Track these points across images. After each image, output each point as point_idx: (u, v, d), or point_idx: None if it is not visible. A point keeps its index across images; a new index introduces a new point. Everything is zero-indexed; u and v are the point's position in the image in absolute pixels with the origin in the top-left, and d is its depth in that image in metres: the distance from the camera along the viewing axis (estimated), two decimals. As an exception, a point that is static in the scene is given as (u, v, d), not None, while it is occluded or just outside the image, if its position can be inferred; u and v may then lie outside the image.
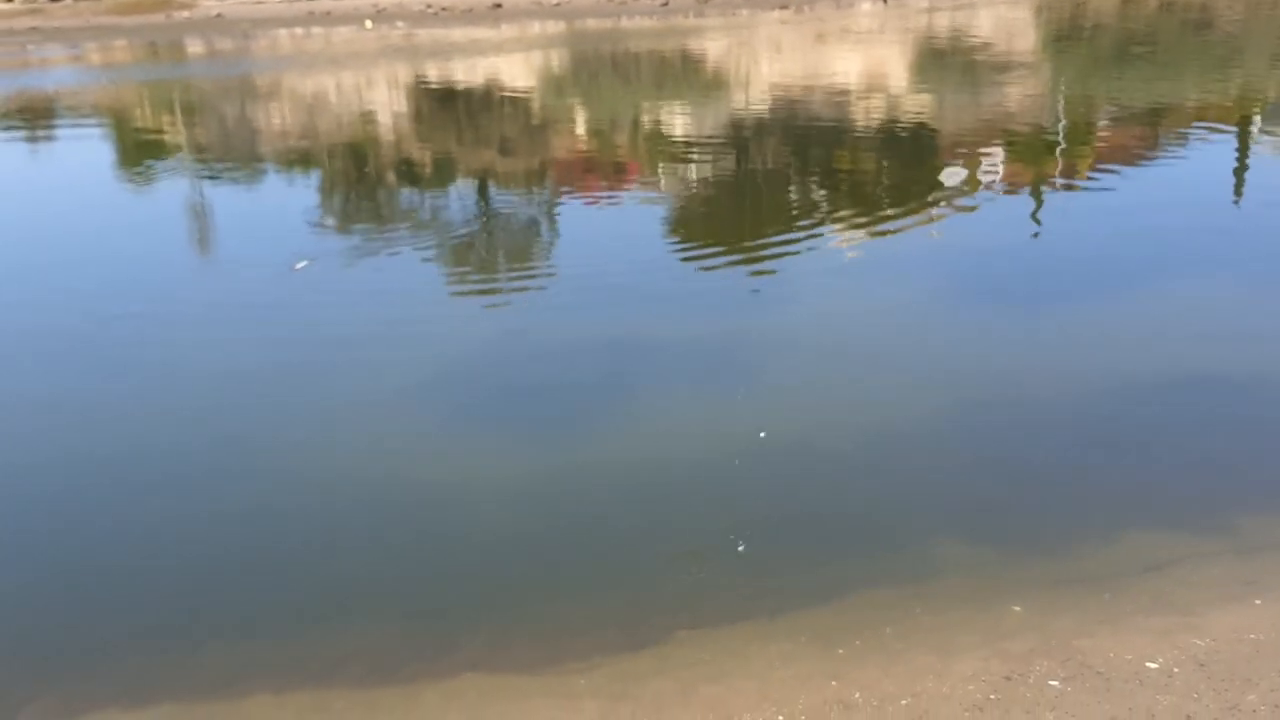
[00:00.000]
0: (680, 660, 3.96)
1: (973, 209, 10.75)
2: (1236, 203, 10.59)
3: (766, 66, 22.97)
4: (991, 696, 3.55)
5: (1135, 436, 5.64)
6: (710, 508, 5.06)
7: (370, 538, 5.05)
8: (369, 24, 34.97)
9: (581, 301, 8.28)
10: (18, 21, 37.54)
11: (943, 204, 10.89)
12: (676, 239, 10.45)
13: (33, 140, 17.86)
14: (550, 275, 9.22)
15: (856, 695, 3.63)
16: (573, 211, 11.71)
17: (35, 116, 19.98)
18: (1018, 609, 4.12)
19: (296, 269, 8.60)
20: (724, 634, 4.08)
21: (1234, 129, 14.21)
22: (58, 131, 18.62)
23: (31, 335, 7.98)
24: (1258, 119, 14.76)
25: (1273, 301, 7.44)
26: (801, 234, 9.81)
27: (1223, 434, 5.60)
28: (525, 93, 20.61)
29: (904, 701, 3.57)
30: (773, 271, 8.75)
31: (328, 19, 37.05)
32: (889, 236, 9.65)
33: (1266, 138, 13.51)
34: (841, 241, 9.59)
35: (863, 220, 10.23)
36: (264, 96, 21.26)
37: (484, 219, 11.57)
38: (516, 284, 9.08)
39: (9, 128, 18.95)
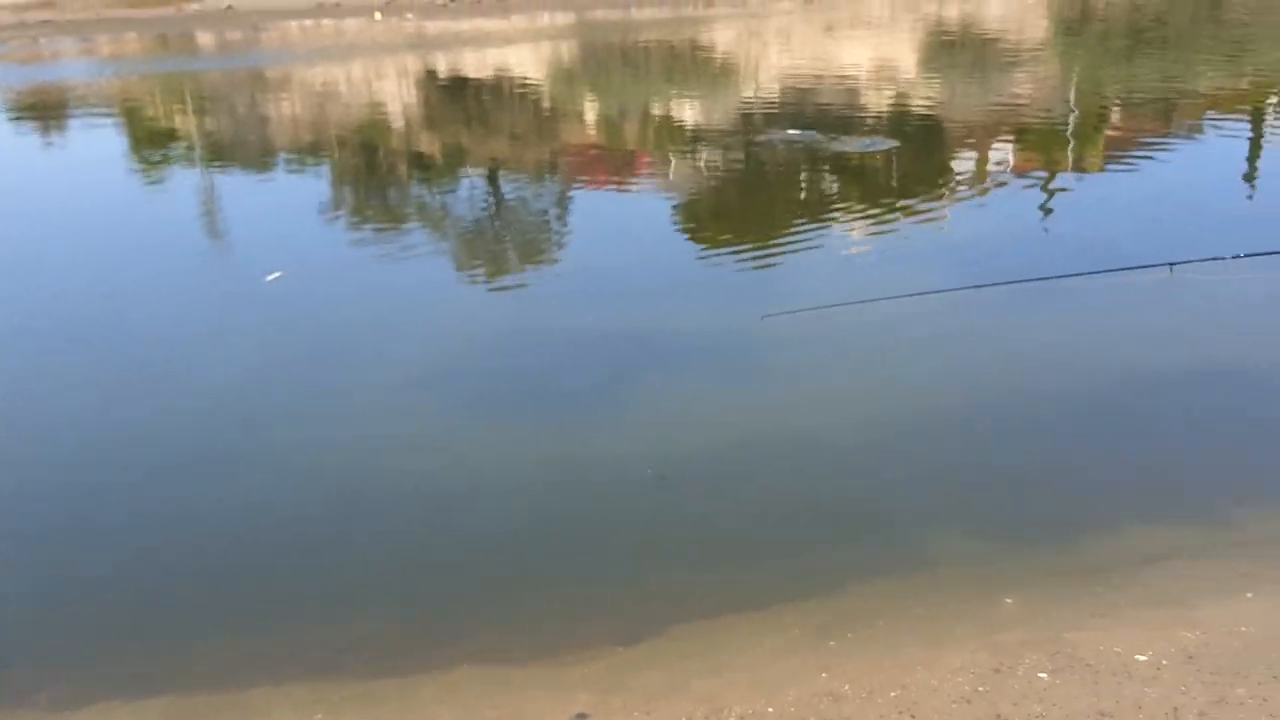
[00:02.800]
0: (672, 652, 3.98)
1: (983, 199, 10.72)
2: (1251, 197, 10.54)
3: (776, 56, 22.92)
4: (980, 688, 3.55)
5: (1134, 428, 5.64)
6: (706, 498, 5.08)
7: (368, 529, 5.08)
8: (378, 15, 34.98)
9: (591, 291, 8.30)
10: (30, 14, 37.69)
11: (952, 194, 10.86)
12: (686, 230, 10.45)
13: (45, 131, 17.93)
14: (560, 266, 9.24)
15: (846, 687, 3.63)
16: (583, 201, 11.72)
17: (47, 109, 20.06)
18: (1010, 601, 4.12)
19: (269, 280, 8.59)
20: (716, 626, 4.09)
21: (1248, 118, 14.12)
22: (70, 122, 18.68)
23: (52, 319, 8.03)
24: (1271, 108, 14.67)
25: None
26: (810, 224, 9.80)
27: (1222, 427, 5.60)
28: (535, 84, 20.61)
29: (893, 693, 3.57)
30: (780, 263, 8.74)
31: (337, 10, 37.07)
32: (897, 227, 9.62)
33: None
34: (851, 232, 9.58)
35: (872, 211, 10.20)
36: (274, 89, 21.31)
37: (495, 210, 11.59)
38: (528, 275, 9.11)
39: (19, 119, 19.04)
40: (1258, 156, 11.94)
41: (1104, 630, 3.83)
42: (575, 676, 3.91)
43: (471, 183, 13.15)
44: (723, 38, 26.09)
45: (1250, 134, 13.25)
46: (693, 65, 22.14)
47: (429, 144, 15.83)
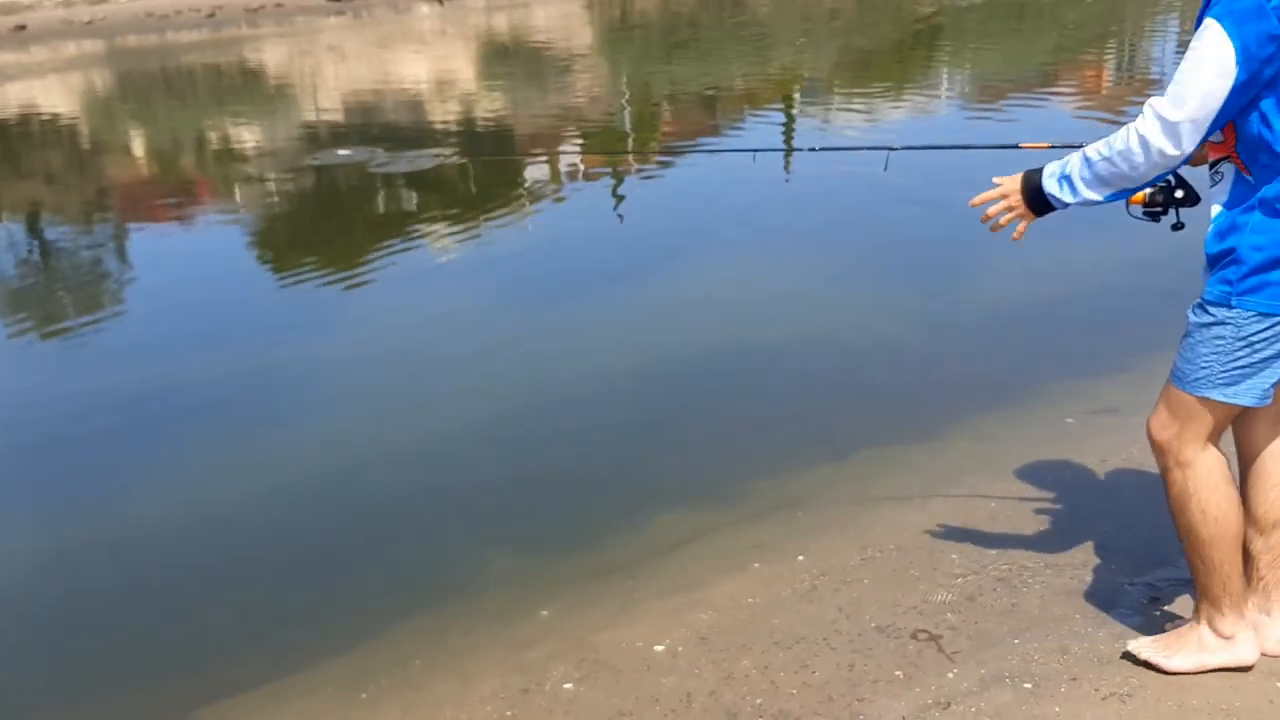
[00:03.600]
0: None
1: (559, 201, 11.02)
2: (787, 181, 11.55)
3: (333, 73, 22.37)
4: (508, 714, 3.44)
5: (653, 421, 5.79)
6: (204, 562, 4.77)
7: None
8: None
9: (166, 336, 7.67)
10: None
11: (529, 199, 11.08)
12: (262, 258, 9.94)
13: None
14: (123, 313, 8.47)
15: (372, 741, 3.48)
16: (143, 241, 10.83)
17: None
18: (545, 613, 4.05)
19: None
20: (237, 704, 3.78)
21: (781, 107, 15.55)
22: None
23: None
24: (797, 97, 16.25)
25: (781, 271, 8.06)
26: (392, 241, 9.60)
27: (731, 406, 5.83)
28: (69, 120, 18.80)
29: (420, 738, 3.43)
30: (364, 283, 8.49)
31: None
32: (480, 237, 9.67)
33: (810, 111, 14.90)
34: (435, 246, 9.51)
35: (454, 223, 10.19)
36: None
37: (39, 260, 10.45)
38: (87, 327, 8.26)
39: None
40: (792, 140, 13.15)
41: (627, 627, 3.82)
42: None
43: (8, 231, 11.78)
44: (273, 56, 25.11)
45: (783, 122, 14.62)
46: (245, 87, 21.13)
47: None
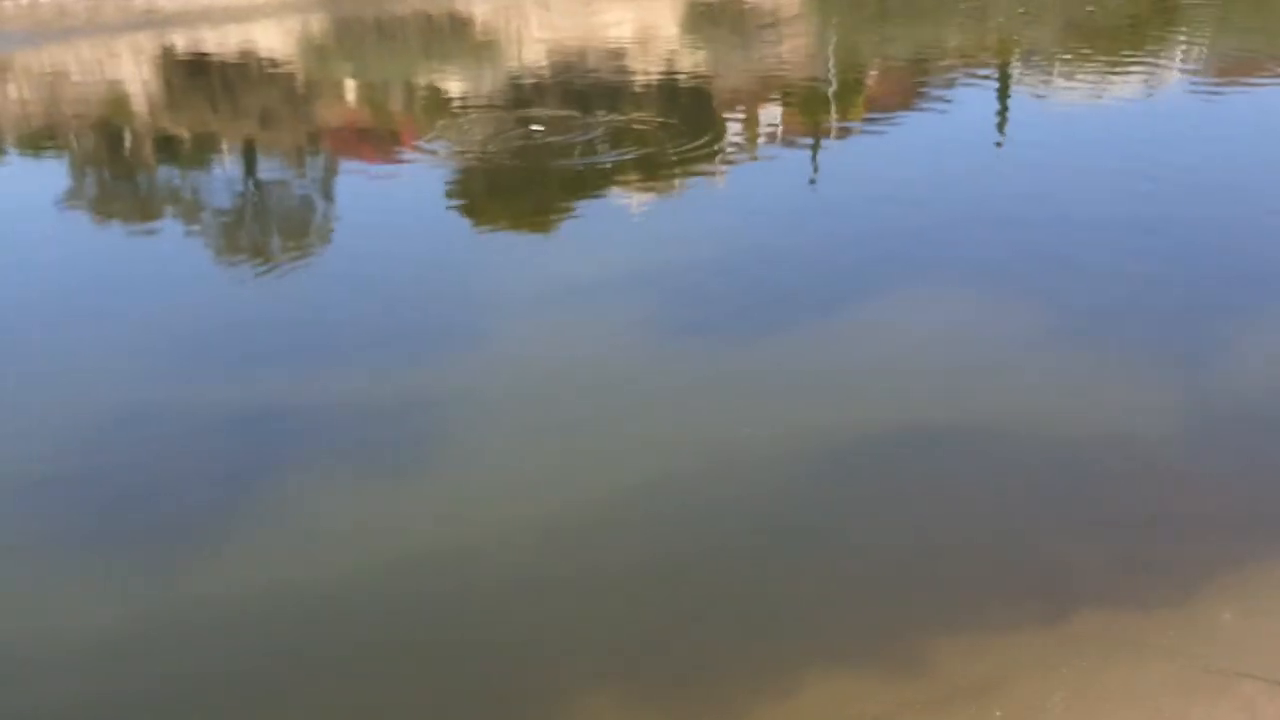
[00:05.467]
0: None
1: (756, 159, 10.75)
2: (999, 144, 10.97)
3: (537, 26, 22.51)
4: None
5: (799, 533, 4.79)
6: None
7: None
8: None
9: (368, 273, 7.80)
10: None
11: (727, 157, 10.84)
12: (460, 207, 10.02)
13: None
14: (324, 251, 8.68)
15: None
16: (349, 182, 11.09)
17: None
18: None
19: None
20: None
21: (995, 74, 14.77)
22: None
23: None
24: (1016, 64, 15.41)
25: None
26: (589, 195, 9.54)
27: (901, 525, 4.72)
28: (286, 62, 19.49)
29: None
30: (562, 234, 8.45)
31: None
32: (675, 193, 9.51)
33: (1025, 81, 14.09)
34: (630, 202, 9.40)
35: (649, 179, 10.05)
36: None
37: (253, 195, 10.81)
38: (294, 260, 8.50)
39: None
40: (1006, 110, 12.46)
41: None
42: None
43: (226, 168, 12.25)
44: (481, 9, 25.44)
45: (997, 90, 13.87)
46: (453, 37, 21.47)
47: (175, 128, 14.68)
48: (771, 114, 13.04)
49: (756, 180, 9.83)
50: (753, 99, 13.77)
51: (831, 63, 16.57)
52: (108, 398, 5.92)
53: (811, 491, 4.81)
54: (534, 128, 12.19)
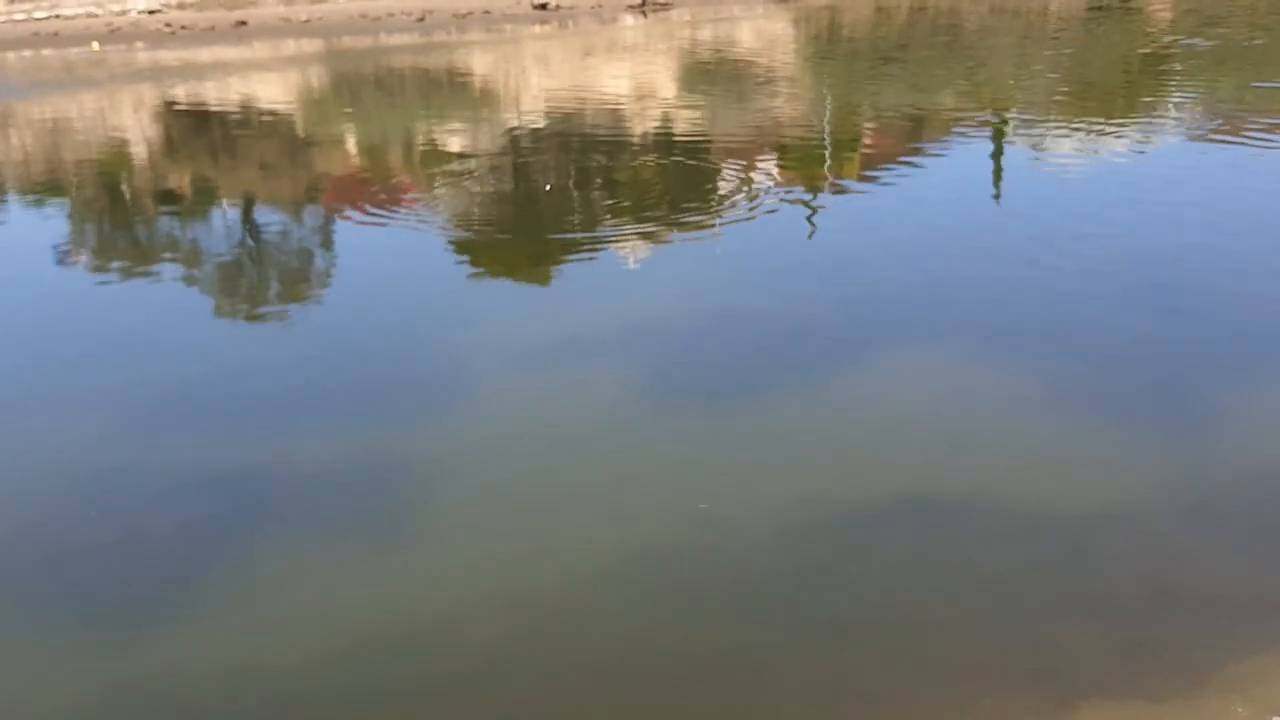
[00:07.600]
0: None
1: (752, 217, 10.78)
2: (996, 198, 11.05)
3: (536, 81, 22.74)
4: None
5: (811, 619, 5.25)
6: None
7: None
8: (96, 46, 32.70)
9: (367, 322, 7.80)
10: None
11: (723, 211, 10.89)
12: (460, 257, 10.05)
13: None
14: (326, 300, 8.69)
15: None
16: (347, 232, 11.13)
17: None
18: None
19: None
20: None
21: (990, 132, 14.89)
22: None
23: None
24: (1011, 123, 15.53)
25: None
26: (586, 247, 9.58)
27: (885, 623, 5.15)
28: (286, 112, 19.65)
29: None
30: (557, 285, 8.47)
31: (57, 40, 34.56)
32: (672, 246, 9.54)
33: (1019, 138, 14.21)
34: (626, 253, 9.43)
35: (645, 231, 10.09)
36: (-4, 124, 19.51)
37: (252, 243, 10.84)
38: (295, 309, 8.50)
39: None
40: (1001, 168, 12.55)
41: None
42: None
43: (225, 217, 12.30)
44: (480, 63, 25.72)
45: (992, 148, 13.98)
46: (451, 92, 21.67)
47: (174, 177, 14.76)
48: (767, 170, 13.12)
49: (752, 236, 9.84)
50: (749, 155, 13.87)
51: (828, 119, 16.72)
52: (81, 459, 5.85)
53: (792, 570, 4.52)
54: (546, 187, 12.29)
